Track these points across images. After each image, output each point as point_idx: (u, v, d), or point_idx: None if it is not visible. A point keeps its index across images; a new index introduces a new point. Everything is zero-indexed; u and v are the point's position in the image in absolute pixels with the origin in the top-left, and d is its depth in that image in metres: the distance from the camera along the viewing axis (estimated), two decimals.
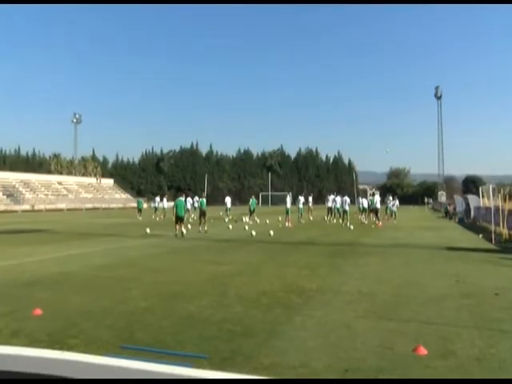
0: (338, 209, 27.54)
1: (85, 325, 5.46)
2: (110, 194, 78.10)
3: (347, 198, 26.19)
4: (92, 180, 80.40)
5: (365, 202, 28.27)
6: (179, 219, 18.57)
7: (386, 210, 33.98)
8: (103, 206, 67.09)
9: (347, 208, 25.61)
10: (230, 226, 23.08)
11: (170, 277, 8.87)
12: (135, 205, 73.88)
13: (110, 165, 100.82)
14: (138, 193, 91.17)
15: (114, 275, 9.04)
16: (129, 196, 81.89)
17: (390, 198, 33.88)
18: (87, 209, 61.49)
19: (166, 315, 5.98)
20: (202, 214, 21.07)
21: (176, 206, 19.04)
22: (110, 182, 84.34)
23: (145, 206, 40.56)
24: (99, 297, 7.01)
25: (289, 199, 26.29)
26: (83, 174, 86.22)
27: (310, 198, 28.68)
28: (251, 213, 28.18)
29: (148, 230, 19.96)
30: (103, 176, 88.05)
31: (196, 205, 33.49)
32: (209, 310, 6.23)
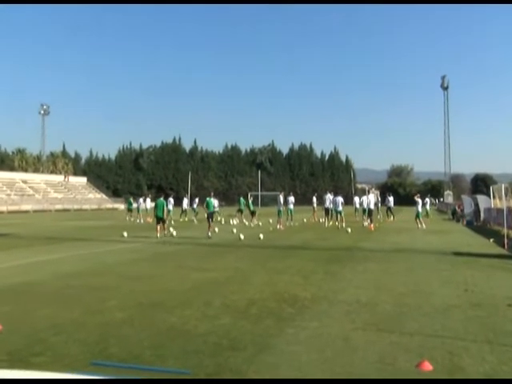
0: (333, 210, 27.52)
1: (52, 340, 5.39)
2: (82, 193, 77.51)
3: (340, 198, 26.22)
4: (62, 178, 79.71)
5: (357, 202, 28.37)
6: (159, 220, 19.86)
7: (387, 212, 34.29)
8: (75, 207, 66.53)
9: (340, 208, 25.64)
10: (217, 229, 23.06)
11: (150, 285, 8.82)
12: (111, 205, 74.03)
13: (82, 161, 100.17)
14: (114, 192, 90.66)
15: (87, 284, 8.96)
16: (104, 196, 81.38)
17: (390, 198, 34.17)
18: (57, 210, 60.94)
19: (144, 327, 5.94)
20: (210, 216, 20.05)
21: (156, 206, 20.34)
22: (82, 180, 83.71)
23: (126, 206, 40.22)
24: (69, 308, 6.94)
25: (281, 199, 26.33)
26: (52, 172, 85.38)
27: (292, 199, 28.69)
28: (251, 213, 28.11)
29: (125, 234, 19.85)
30: (75, 174, 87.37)
31: (189, 207, 33.63)
32: (192, 322, 6.20)
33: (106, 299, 7.51)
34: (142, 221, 31.97)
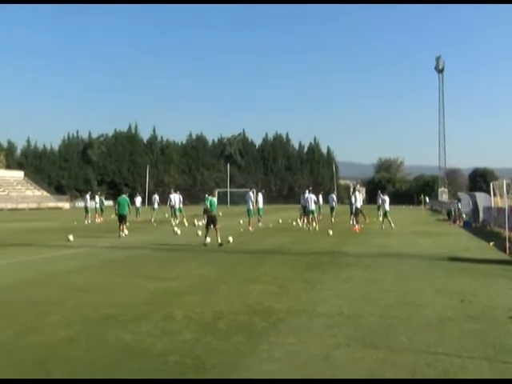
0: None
1: None
2: (18, 190, 76.08)
3: (313, 196, 26.41)
4: None
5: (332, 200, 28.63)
6: (122, 218, 21.55)
7: (379, 211, 34.86)
8: (9, 206, 65.21)
9: (312, 207, 25.84)
10: (179, 231, 22.93)
11: (100, 297, 8.72)
12: (53, 204, 72.92)
13: (18, 152, 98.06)
14: (57, 189, 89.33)
15: (24, 297, 8.78)
16: (45, 193, 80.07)
17: (386, 197, 34.62)
18: None
19: (93, 346, 5.86)
20: (212, 220, 18.64)
21: (118, 203, 22.02)
22: (18, 174, 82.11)
23: (79, 205, 39.57)
24: (2, 327, 6.79)
25: (251, 197, 26.45)
26: None
27: (260, 198, 28.79)
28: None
29: (71, 238, 19.56)
30: (8, 167, 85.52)
31: (150, 205, 33.41)
32: (150, 339, 6.15)
33: (47, 315, 7.37)
34: (89, 221, 31.66)
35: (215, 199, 19.01)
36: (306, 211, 26.88)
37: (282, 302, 8.31)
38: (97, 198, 34.83)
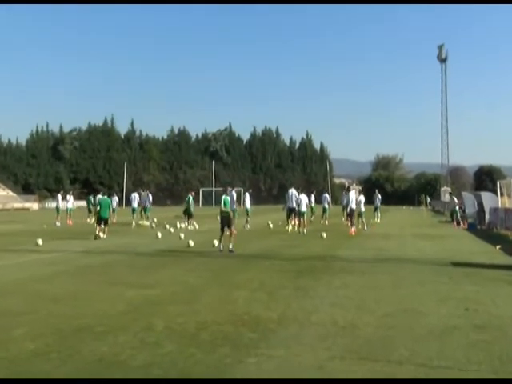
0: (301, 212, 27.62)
1: None
2: None
3: (305, 196, 26.45)
4: None
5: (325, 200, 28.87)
6: (103, 221, 22.10)
7: (375, 212, 35.33)
8: None
9: (304, 209, 25.88)
10: (159, 235, 22.87)
11: (73, 307, 8.68)
12: (20, 205, 72.23)
13: None
14: (24, 188, 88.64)
15: None
16: (10, 192, 79.37)
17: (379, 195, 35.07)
18: None
19: (65, 360, 5.84)
20: (227, 221, 17.96)
21: (100, 205, 22.44)
22: None
23: (49, 205, 39.13)
24: None
25: (234, 196, 26.51)
26: None
27: (248, 198, 28.83)
28: (189, 216, 28.15)
29: (40, 242, 19.42)
30: None
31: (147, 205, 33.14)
32: (128, 351, 6.14)
33: (14, 327, 7.32)
34: (60, 223, 31.46)
35: (229, 198, 18.55)
36: (294, 213, 26.80)
37: (271, 310, 8.33)
38: (68, 197, 34.54)
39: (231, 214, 18.38)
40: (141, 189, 36.49)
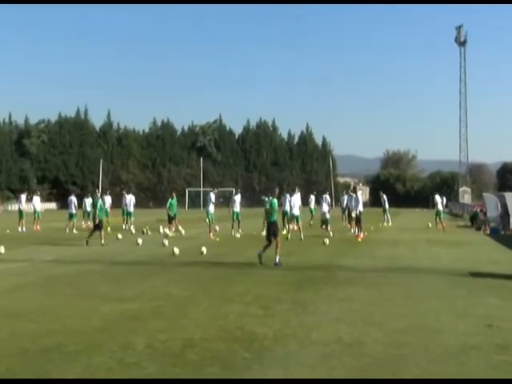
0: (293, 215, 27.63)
1: None
2: None
3: (296, 197, 26.52)
4: None
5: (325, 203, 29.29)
6: (100, 225, 22.88)
7: (384, 214, 35.64)
8: None
9: (297, 212, 25.97)
10: (140, 241, 22.83)
11: (40, 324, 8.66)
12: None
13: None
14: None
15: None
16: None
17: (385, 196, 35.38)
18: None
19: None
20: (274, 229, 17.08)
21: (98, 207, 23.19)
22: None
23: (13, 208, 38.74)
24: None
25: (212, 198, 26.75)
26: None
27: (238, 199, 28.91)
28: (172, 219, 28.09)
29: (2, 249, 19.36)
30: None
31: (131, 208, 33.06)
32: (104, 373, 6.14)
33: None
34: (24, 229, 31.20)
35: (275, 200, 17.49)
36: (286, 216, 26.91)
37: (266, 326, 8.34)
38: (35, 198, 34.17)
39: (276, 221, 17.28)
40: (124, 190, 36.42)
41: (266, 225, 17.85)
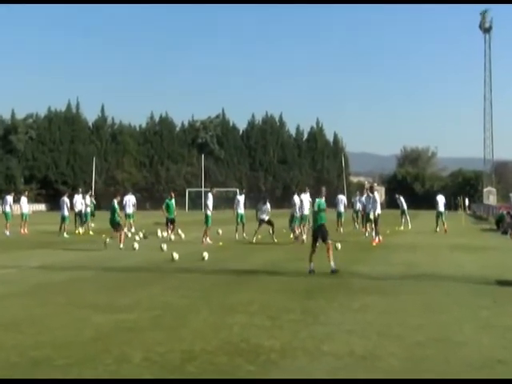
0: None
1: None
2: None
3: (305, 197, 26.54)
4: None
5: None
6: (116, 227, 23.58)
7: (402, 216, 35.79)
8: None
9: (306, 212, 25.95)
10: (136, 245, 22.88)
11: (28, 335, 8.68)
12: None
13: None
14: None
15: None
16: None
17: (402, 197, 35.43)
18: None
19: None
20: (322, 232, 16.76)
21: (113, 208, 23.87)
22: None
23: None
24: None
25: (210, 200, 26.47)
26: None
27: (242, 200, 28.84)
28: (171, 222, 28.03)
29: None
30: None
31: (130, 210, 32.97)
32: None
33: None
34: (8, 233, 31.13)
35: (323, 200, 17.10)
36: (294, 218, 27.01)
37: (273, 338, 8.34)
38: (23, 199, 34.23)
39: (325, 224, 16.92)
40: (128, 191, 36.40)
41: (307, 230, 17.54)
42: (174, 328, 9.05)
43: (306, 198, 26.33)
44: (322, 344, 8.04)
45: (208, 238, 25.78)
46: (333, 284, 13.82)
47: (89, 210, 32.84)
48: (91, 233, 31.08)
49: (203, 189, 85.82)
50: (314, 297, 11.97)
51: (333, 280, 14.48)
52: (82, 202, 32.27)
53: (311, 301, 11.51)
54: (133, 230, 30.65)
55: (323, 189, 18.15)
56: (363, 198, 30.94)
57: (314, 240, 16.57)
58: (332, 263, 15.80)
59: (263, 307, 10.78)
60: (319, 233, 16.48)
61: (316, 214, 16.72)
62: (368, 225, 28.44)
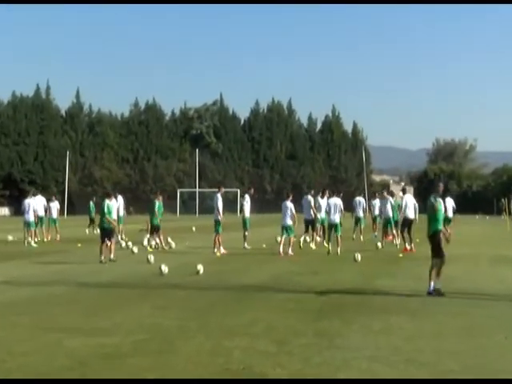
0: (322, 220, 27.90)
1: None
2: None
3: (335, 201, 26.62)
4: None
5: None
6: (107, 234, 22.58)
7: (445, 222, 35.76)
8: None
9: (337, 220, 26.10)
10: (135, 249, 23.00)
11: None
12: None
13: None
14: None
15: None
16: None
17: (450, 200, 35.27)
18: None
19: None
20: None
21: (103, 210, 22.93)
22: None
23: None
24: None
25: (220, 202, 26.40)
26: None
27: (247, 202, 28.80)
28: (156, 230, 27.95)
29: None
30: None
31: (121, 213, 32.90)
32: None
33: None
34: None
35: (441, 200, 16.88)
36: (312, 225, 27.27)
37: (281, 366, 8.33)
38: None
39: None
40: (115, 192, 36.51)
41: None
42: (162, 353, 9.05)
43: (334, 202, 26.34)
44: (339, 372, 8.04)
45: (222, 247, 25.66)
46: (351, 302, 13.83)
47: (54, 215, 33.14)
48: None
49: (197, 189, 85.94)
50: (328, 317, 11.97)
51: (351, 297, 14.48)
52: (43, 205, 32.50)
53: (325, 321, 11.51)
54: (123, 236, 30.70)
55: (440, 184, 17.68)
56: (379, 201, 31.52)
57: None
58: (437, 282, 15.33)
59: (268, 329, 10.79)
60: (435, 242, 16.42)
61: (433, 217, 16.38)
62: (394, 231, 28.57)
